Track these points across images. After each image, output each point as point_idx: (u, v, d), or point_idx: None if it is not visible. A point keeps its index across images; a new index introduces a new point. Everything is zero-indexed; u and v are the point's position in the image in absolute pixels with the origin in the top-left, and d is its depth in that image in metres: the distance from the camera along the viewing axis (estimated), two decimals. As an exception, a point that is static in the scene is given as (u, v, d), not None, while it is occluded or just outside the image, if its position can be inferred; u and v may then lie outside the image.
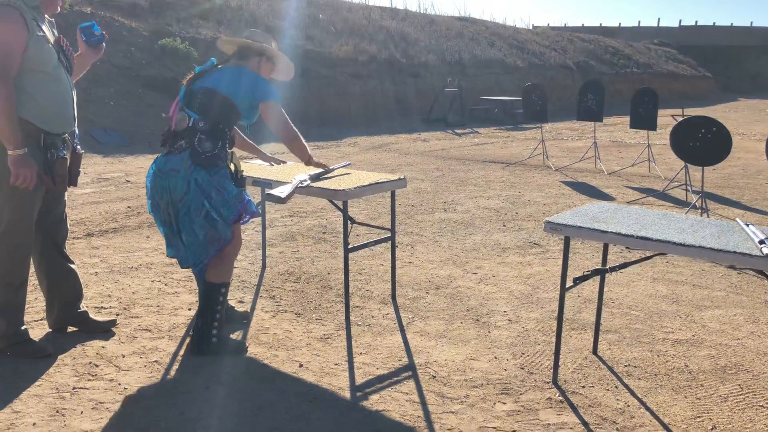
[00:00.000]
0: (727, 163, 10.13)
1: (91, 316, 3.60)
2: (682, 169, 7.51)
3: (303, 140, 3.50)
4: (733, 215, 6.62)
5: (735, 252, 2.52)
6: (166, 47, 13.35)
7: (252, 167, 4.26)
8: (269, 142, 11.84)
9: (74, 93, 3.27)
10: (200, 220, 3.11)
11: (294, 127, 3.43)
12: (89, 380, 3.06)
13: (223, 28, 15.31)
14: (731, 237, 2.72)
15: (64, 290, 3.47)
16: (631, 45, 34.41)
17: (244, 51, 3.41)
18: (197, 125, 3.14)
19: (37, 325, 3.61)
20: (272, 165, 4.09)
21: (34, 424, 2.68)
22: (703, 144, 5.90)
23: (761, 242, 2.55)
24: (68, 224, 3.52)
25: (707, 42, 43.37)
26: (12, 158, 2.95)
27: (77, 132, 3.35)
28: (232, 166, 3.26)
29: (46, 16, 3.16)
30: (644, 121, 8.96)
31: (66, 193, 3.42)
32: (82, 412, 2.78)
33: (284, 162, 4.10)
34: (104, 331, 3.57)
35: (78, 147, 3.34)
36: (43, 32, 3.06)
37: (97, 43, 3.42)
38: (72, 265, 3.50)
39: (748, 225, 2.83)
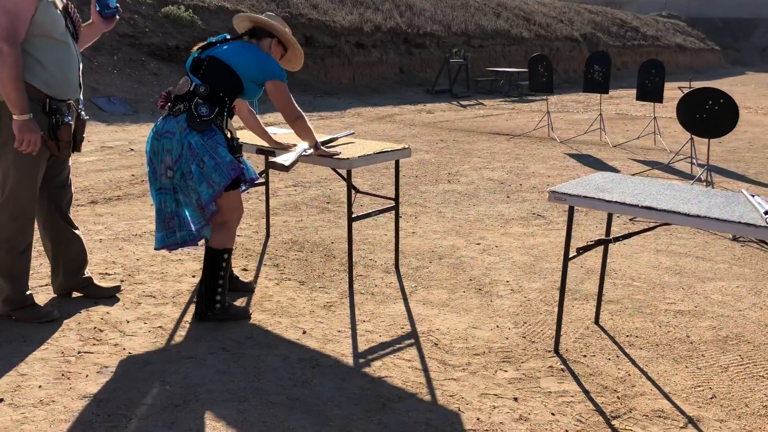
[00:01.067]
0: (733, 136, 10.08)
1: (95, 282, 3.62)
2: (687, 141, 7.47)
3: (308, 122, 3.48)
4: (738, 188, 6.60)
5: (740, 222, 2.51)
6: (169, 15, 13.22)
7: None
8: (273, 113, 11.76)
9: (80, 60, 3.25)
10: (192, 183, 3.13)
11: (298, 108, 3.42)
12: (94, 345, 3.09)
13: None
14: (736, 208, 2.71)
15: (69, 255, 3.48)
16: (638, 17, 34.01)
17: (259, 29, 3.39)
18: (197, 90, 3.15)
19: (42, 291, 3.63)
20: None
21: (39, 386, 2.71)
22: (710, 115, 5.86)
23: (766, 213, 2.54)
24: (72, 190, 3.53)
25: (716, 14, 42.83)
26: (17, 123, 2.95)
27: (82, 98, 3.34)
28: (228, 134, 3.24)
29: None
30: (650, 93, 8.88)
31: (70, 159, 3.42)
32: (87, 376, 2.81)
33: (294, 145, 3.97)
34: (109, 296, 3.59)
35: (83, 113, 3.34)
36: None
37: (110, 15, 3.41)
38: (77, 231, 3.51)
39: (754, 196, 2.81)
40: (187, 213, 3.28)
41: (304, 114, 3.44)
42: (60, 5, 3.10)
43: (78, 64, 3.22)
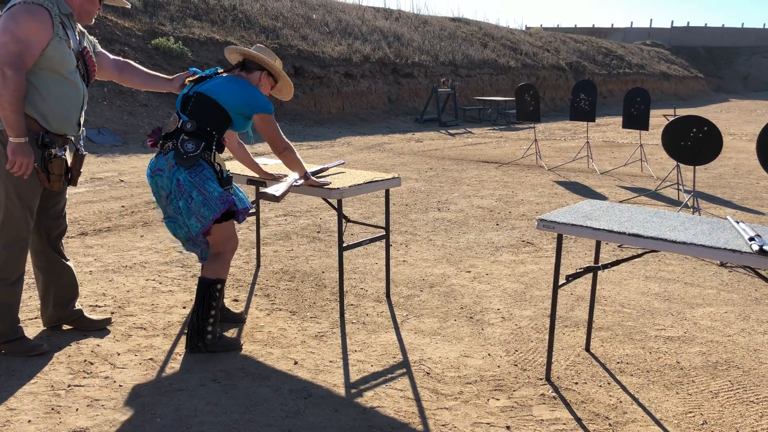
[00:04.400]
0: (718, 162, 10.22)
1: (86, 314, 3.60)
2: (674, 168, 7.56)
3: (296, 153, 3.52)
4: (724, 214, 6.68)
5: (726, 249, 2.55)
6: (159, 47, 13.33)
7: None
8: (263, 143, 11.80)
9: (86, 101, 3.32)
10: (181, 218, 3.23)
11: (286, 139, 3.48)
12: (84, 378, 3.06)
13: (217, 28, 15.30)
14: (722, 234, 2.75)
15: (60, 287, 3.47)
16: (623, 45, 34.58)
17: (249, 62, 3.46)
18: (184, 126, 3.22)
19: (31, 324, 3.61)
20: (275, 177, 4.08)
21: (29, 421, 2.68)
22: (695, 143, 5.94)
23: (751, 239, 2.58)
24: (66, 222, 3.54)
25: (699, 43, 43.64)
26: (12, 145, 3.00)
27: (84, 135, 3.40)
28: (217, 167, 3.28)
29: (78, 25, 3.26)
30: (636, 120, 9.01)
31: (67, 192, 3.46)
32: (77, 410, 2.78)
33: (285, 175, 4.00)
34: (99, 329, 3.58)
35: (81, 149, 3.39)
36: (68, 37, 3.12)
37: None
38: (68, 263, 3.51)
39: (738, 222, 2.86)
40: (186, 248, 3.40)
41: (292, 144, 3.49)
42: (73, 45, 3.16)
43: (82, 104, 3.27)
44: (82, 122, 3.33)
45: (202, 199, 3.14)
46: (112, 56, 3.57)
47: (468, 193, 7.80)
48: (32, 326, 3.58)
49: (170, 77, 3.59)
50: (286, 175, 3.73)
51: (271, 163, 4.38)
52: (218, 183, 3.22)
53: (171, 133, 3.25)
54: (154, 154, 3.31)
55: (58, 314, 3.51)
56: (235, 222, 3.36)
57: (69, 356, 3.27)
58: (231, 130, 3.43)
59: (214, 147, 3.27)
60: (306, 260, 4.99)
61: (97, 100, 11.37)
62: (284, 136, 3.46)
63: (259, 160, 4.58)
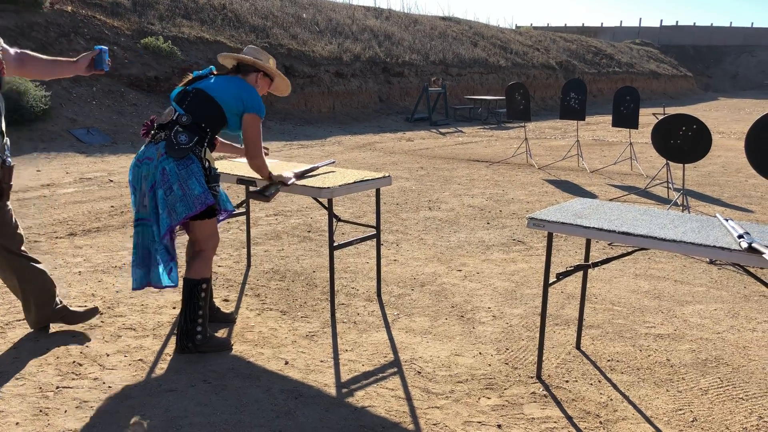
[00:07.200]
0: (707, 161, 10.27)
1: (70, 308, 3.55)
2: (663, 167, 7.59)
3: (265, 163, 3.52)
4: (713, 212, 6.71)
5: (715, 246, 2.56)
6: (148, 46, 13.26)
7: (236, 165, 4.26)
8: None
9: (2, 107, 3.14)
10: (154, 214, 3.17)
11: (262, 150, 3.47)
12: (73, 379, 3.04)
13: (206, 28, 15.24)
14: (711, 232, 2.76)
15: (37, 290, 3.40)
16: (613, 44, 34.70)
17: (243, 66, 3.49)
18: (180, 119, 3.23)
19: (19, 325, 3.58)
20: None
21: (17, 423, 2.66)
22: (684, 141, 5.97)
23: (740, 236, 2.59)
24: (21, 230, 3.38)
25: (688, 41, 43.85)
26: None
27: (8, 145, 3.20)
28: (206, 163, 3.26)
29: None
30: (626, 119, 9.04)
31: (9, 203, 3.28)
32: (66, 411, 2.76)
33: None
34: (88, 320, 3.54)
35: (8, 160, 3.18)
36: None
37: (97, 67, 3.34)
38: (38, 265, 3.42)
39: (727, 220, 2.87)
40: (158, 257, 3.24)
41: (265, 160, 3.49)
42: None
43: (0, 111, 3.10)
44: (4, 130, 3.14)
45: (181, 194, 3.12)
46: (12, 49, 3.24)
47: (459, 191, 7.80)
48: (19, 327, 3.55)
49: (74, 59, 3.31)
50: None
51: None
52: (205, 179, 3.20)
53: (165, 124, 3.24)
54: (144, 144, 3.29)
55: (43, 316, 3.47)
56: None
57: (57, 357, 3.24)
58: (225, 131, 3.43)
59: (206, 143, 3.26)
60: (297, 260, 4.98)
61: (86, 100, 11.30)
62: (261, 146, 3.46)
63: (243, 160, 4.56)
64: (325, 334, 3.63)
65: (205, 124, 3.25)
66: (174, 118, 3.23)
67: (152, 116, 3.44)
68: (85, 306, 3.88)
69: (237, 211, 3.73)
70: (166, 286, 3.26)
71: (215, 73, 3.46)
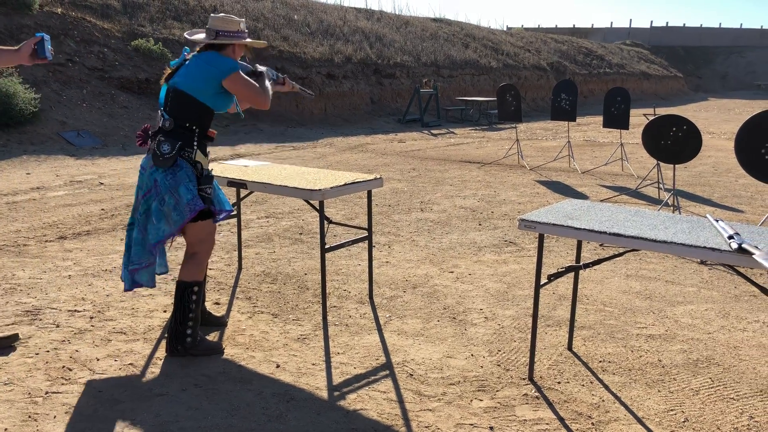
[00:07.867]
0: (698, 161, 10.31)
1: None
2: (654, 167, 7.62)
3: (270, 89, 3.39)
4: (704, 212, 6.74)
5: (705, 247, 2.56)
6: (139, 48, 13.21)
7: (228, 168, 4.25)
8: (244, 144, 11.81)
9: None
10: (153, 219, 3.15)
11: (258, 86, 3.30)
12: (62, 384, 3.02)
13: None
14: (702, 233, 2.77)
15: None
16: (603, 45, 34.83)
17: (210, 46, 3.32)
18: (165, 125, 3.19)
19: (7, 330, 3.55)
20: None
21: (5, 429, 2.64)
22: (675, 142, 5.99)
23: (730, 237, 2.60)
24: None
25: (678, 42, 44.06)
26: None
27: None
28: (198, 165, 3.24)
29: None
30: (617, 120, 9.07)
31: None
32: (55, 417, 2.74)
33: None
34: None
35: None
36: None
37: (40, 56, 3.15)
38: None
39: (718, 221, 2.88)
40: (132, 252, 3.24)
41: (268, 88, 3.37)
42: None
43: None
44: None
45: (174, 203, 3.13)
46: None
47: (450, 193, 7.81)
48: (7, 332, 3.52)
49: (16, 47, 3.12)
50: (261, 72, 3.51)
51: (253, 165, 4.35)
52: (197, 182, 3.19)
53: (155, 132, 3.24)
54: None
55: None
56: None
57: (47, 362, 3.22)
58: (218, 112, 3.34)
59: (195, 144, 3.22)
60: (288, 262, 4.96)
61: (77, 103, 11.24)
62: (256, 85, 3.30)
63: (240, 161, 4.56)
64: (317, 337, 3.62)
65: (189, 123, 3.19)
66: (161, 124, 3.21)
67: (146, 124, 3.42)
68: (76, 311, 3.85)
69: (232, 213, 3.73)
70: (143, 284, 3.28)
71: (188, 57, 3.29)
